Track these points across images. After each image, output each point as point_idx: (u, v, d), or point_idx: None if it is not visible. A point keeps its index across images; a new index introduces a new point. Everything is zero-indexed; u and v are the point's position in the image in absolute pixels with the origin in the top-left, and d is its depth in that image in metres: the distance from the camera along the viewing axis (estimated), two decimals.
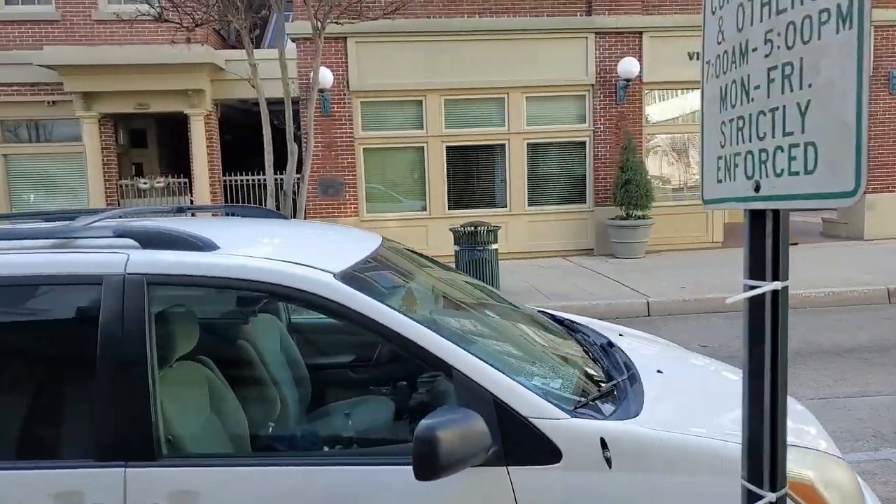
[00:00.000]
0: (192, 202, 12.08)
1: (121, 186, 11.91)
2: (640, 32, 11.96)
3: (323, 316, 2.42)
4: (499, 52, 11.83)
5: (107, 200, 11.45)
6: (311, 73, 8.71)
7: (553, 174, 12.37)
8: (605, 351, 2.54)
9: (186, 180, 12.04)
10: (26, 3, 11.39)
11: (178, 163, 15.27)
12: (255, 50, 14.45)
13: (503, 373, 1.84)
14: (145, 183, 11.91)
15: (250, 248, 2.05)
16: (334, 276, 1.94)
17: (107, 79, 10.82)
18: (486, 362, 1.85)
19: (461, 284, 3.00)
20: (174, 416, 1.98)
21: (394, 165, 12.12)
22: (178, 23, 8.37)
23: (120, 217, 2.64)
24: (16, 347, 2.00)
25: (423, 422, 1.62)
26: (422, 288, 2.44)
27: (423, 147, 12.03)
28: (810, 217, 16.35)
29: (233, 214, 3.29)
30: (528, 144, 12.13)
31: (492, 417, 1.74)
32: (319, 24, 8.42)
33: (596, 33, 11.92)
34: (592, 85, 12.04)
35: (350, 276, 1.99)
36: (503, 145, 12.12)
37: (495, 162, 12.27)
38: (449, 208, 12.10)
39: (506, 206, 12.18)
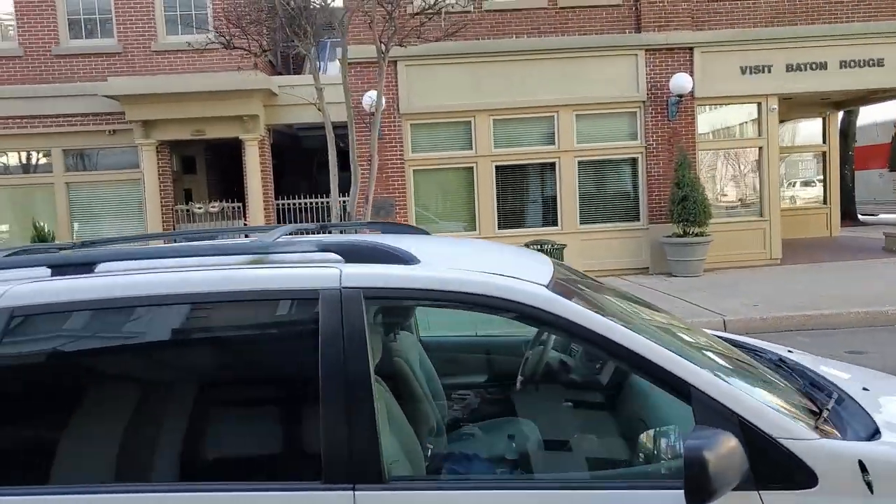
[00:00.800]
0: (245, 226, 12.23)
1: (176, 211, 12.13)
2: (691, 48, 11.84)
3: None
4: (548, 71, 11.82)
5: (163, 226, 11.66)
6: (376, 96, 8.78)
7: (605, 192, 12.23)
8: (794, 369, 2.43)
9: (240, 204, 12.21)
10: (89, 38, 11.80)
11: (224, 187, 15.55)
12: (304, 76, 14.74)
13: (746, 391, 1.77)
14: (200, 208, 12.11)
15: (446, 261, 2.04)
16: (545, 287, 1.90)
17: (166, 107, 11.09)
18: (725, 380, 1.78)
19: (632, 299, 2.90)
20: (391, 436, 1.93)
21: (443, 186, 12.13)
22: (246, 49, 8.50)
23: (290, 234, 2.68)
24: (234, 364, 1.98)
25: (690, 442, 1.54)
26: (614, 303, 2.34)
27: (472, 167, 12.02)
28: (872, 233, 15.85)
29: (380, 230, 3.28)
30: (578, 162, 12.03)
31: (739, 438, 1.66)
32: (384, 46, 8.50)
33: (646, 50, 11.84)
34: (643, 102, 11.93)
35: (558, 288, 1.95)
36: (553, 164, 12.05)
37: (546, 181, 12.19)
38: (499, 228, 12.03)
39: (557, 225, 12.05)
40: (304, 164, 17.73)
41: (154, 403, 1.91)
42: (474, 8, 9.69)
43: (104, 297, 1.88)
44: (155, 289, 1.89)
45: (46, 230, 11.13)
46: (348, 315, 1.81)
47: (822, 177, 15.97)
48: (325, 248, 1.97)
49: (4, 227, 12.12)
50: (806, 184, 16.76)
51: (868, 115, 19.42)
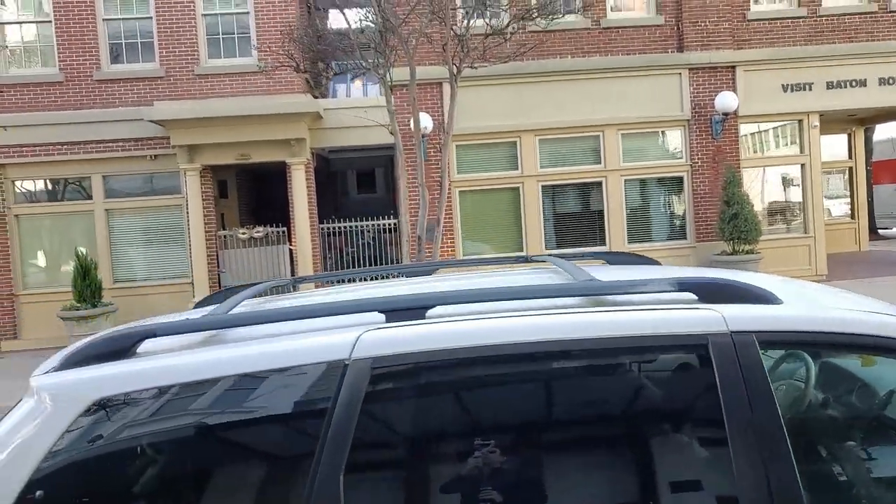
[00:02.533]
0: (291, 251, 12.04)
1: (220, 237, 11.91)
2: (734, 66, 11.93)
3: None
4: (592, 91, 11.84)
5: (207, 252, 11.44)
6: (445, 117, 8.70)
7: (652, 210, 12.22)
8: None
9: (284, 229, 12.03)
10: (131, 62, 11.64)
11: (257, 211, 15.36)
12: (351, 99, 14.69)
13: None
14: (244, 233, 11.90)
15: (803, 300, 1.97)
16: None
17: (212, 131, 10.93)
18: None
19: None
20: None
21: (489, 206, 12.05)
22: (306, 71, 8.42)
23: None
24: (618, 416, 1.84)
25: None
26: None
27: (518, 187, 11.96)
28: None
29: (609, 261, 3.11)
30: (625, 181, 12.02)
31: None
32: (456, 68, 8.45)
33: (689, 69, 11.92)
34: (688, 120, 11.98)
35: None
36: (600, 182, 12.03)
37: (592, 200, 12.15)
38: (546, 247, 11.94)
39: (605, 244, 12.00)
40: (333, 186, 17.63)
41: (534, 456, 1.77)
42: (544, 28, 9.66)
43: (459, 345, 1.73)
44: (511, 336, 1.75)
45: (88, 259, 10.84)
46: (745, 361, 1.71)
47: (848, 192, 16.13)
48: (683, 287, 1.84)
49: (41, 257, 11.81)
50: (834, 199, 16.91)
51: (883, 131, 19.71)
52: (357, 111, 11.89)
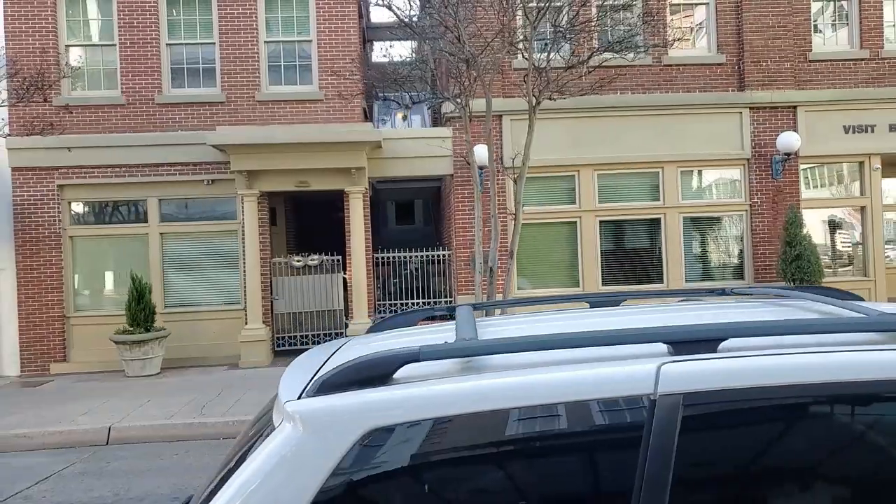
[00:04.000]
0: (345, 280, 11.90)
1: (274, 264, 11.78)
2: (795, 106, 11.86)
3: None
4: (652, 127, 11.77)
5: (261, 278, 11.29)
6: (524, 148, 8.59)
7: (710, 249, 12.06)
8: None
9: (339, 257, 11.90)
10: (192, 87, 11.63)
11: (303, 239, 15.26)
12: (409, 129, 14.68)
13: None
14: (299, 261, 11.78)
15: None
16: None
17: (272, 157, 10.87)
18: None
19: None
20: None
21: (546, 240, 11.89)
22: (384, 98, 8.37)
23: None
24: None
25: None
26: None
27: (575, 221, 11.83)
28: None
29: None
30: (683, 218, 11.87)
31: None
32: (535, 99, 8.39)
33: (750, 108, 11.85)
34: (748, 159, 11.87)
35: None
36: (658, 220, 11.88)
37: (651, 236, 12.00)
38: (603, 283, 11.77)
39: (662, 282, 11.81)
40: (373, 217, 17.55)
41: None
42: (630, 61, 9.66)
43: (765, 383, 1.58)
44: (824, 375, 1.60)
45: (144, 282, 10.72)
46: None
47: None
48: None
49: (93, 279, 11.69)
50: (893, 242, 16.70)
51: None
52: (416, 141, 11.89)
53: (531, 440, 1.63)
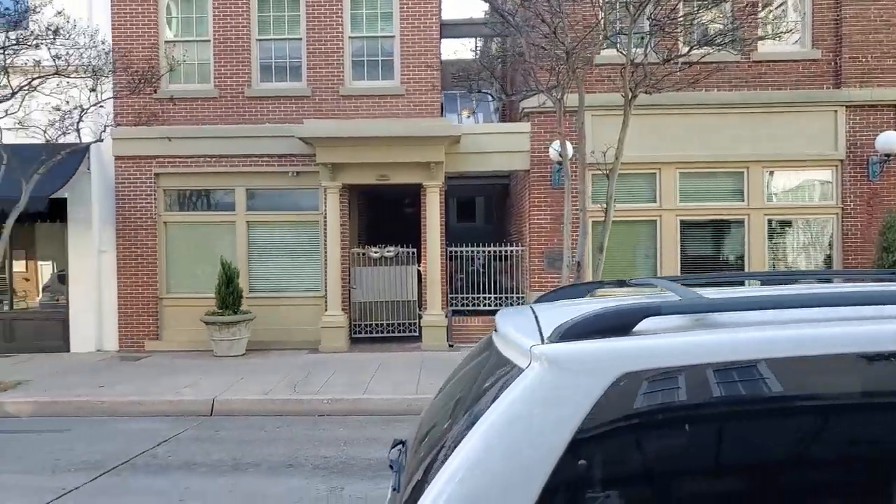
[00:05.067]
0: (419, 272, 12.14)
1: (352, 254, 12.13)
2: None
3: None
4: (738, 125, 11.41)
5: (341, 268, 11.66)
6: (617, 143, 8.61)
7: (796, 253, 11.63)
8: None
9: (414, 249, 12.14)
10: (279, 81, 12.07)
11: (374, 231, 15.62)
12: (486, 124, 14.76)
13: None
14: (376, 252, 12.09)
15: None
16: None
17: (356, 151, 11.17)
18: None
19: None
20: None
21: (623, 239, 11.74)
22: (489, 94, 8.47)
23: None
24: None
25: None
26: None
27: (655, 220, 11.63)
28: None
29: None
30: (768, 220, 11.49)
31: None
32: (630, 92, 8.34)
33: (846, 106, 11.31)
34: (841, 160, 11.35)
35: None
36: (742, 220, 11.54)
37: (733, 238, 11.67)
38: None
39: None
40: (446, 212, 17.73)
41: None
42: (742, 57, 9.50)
43: None
44: None
45: (233, 267, 11.26)
46: None
47: None
48: None
49: (184, 263, 12.35)
50: None
51: None
52: (492, 137, 11.95)
53: (786, 395, 1.70)
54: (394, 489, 2.13)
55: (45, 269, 13.21)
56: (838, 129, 11.35)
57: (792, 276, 3.01)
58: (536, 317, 2.19)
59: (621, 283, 3.07)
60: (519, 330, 2.03)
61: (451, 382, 2.61)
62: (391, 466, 2.41)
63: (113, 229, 12.05)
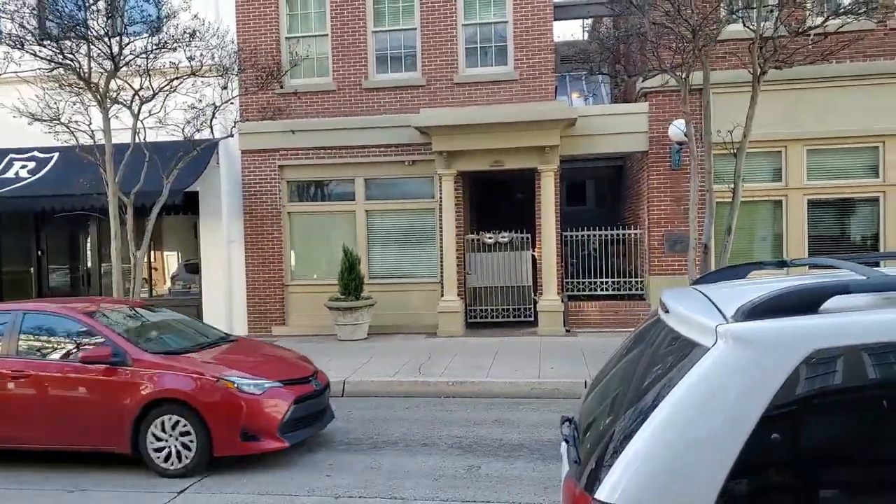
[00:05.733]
0: (534, 257, 12.19)
1: (467, 241, 12.31)
2: None
3: None
4: (872, 98, 10.84)
5: (457, 254, 11.85)
6: (746, 120, 8.37)
7: None
8: None
9: (528, 235, 12.19)
10: (394, 72, 12.34)
11: (482, 219, 15.73)
12: (601, 106, 14.58)
13: None
14: (490, 237, 12.22)
15: None
16: None
17: (471, 138, 11.30)
18: None
19: None
20: None
21: (747, 220, 11.37)
22: (614, 76, 8.42)
23: None
24: None
25: None
26: None
27: (781, 200, 11.23)
28: None
29: None
30: None
31: None
32: (760, 68, 8.10)
33: None
34: None
35: None
36: (877, 199, 10.98)
37: (866, 218, 11.12)
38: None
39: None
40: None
41: None
42: (878, 24, 9.09)
43: None
44: None
45: (355, 255, 11.64)
46: None
47: None
48: None
49: (307, 251, 12.85)
50: None
51: None
52: (607, 119, 11.82)
53: None
54: (575, 462, 2.21)
55: (171, 260, 14.07)
56: None
57: None
58: (708, 297, 2.25)
59: (782, 264, 3.10)
60: (695, 310, 2.10)
61: (617, 361, 2.70)
62: (566, 440, 2.50)
63: (241, 220, 12.68)
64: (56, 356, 6.22)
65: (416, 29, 12.14)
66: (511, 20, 11.87)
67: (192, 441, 5.73)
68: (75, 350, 6.13)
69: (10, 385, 6.02)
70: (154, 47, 10.16)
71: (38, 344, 6.35)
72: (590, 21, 16.76)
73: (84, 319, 6.23)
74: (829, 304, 1.83)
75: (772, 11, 8.59)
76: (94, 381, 5.88)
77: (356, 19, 12.23)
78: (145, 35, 10.36)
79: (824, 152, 11.13)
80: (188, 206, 12.37)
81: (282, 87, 12.16)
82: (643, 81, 11.37)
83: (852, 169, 11.12)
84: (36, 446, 6.12)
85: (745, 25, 8.56)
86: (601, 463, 1.93)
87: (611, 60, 12.79)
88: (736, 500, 1.68)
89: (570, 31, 36.04)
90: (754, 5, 8.66)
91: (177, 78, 10.35)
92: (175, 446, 5.74)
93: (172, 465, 5.75)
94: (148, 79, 10.21)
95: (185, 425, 5.72)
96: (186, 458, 5.74)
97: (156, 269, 14.02)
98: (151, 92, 10.21)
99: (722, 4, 9.24)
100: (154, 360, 5.94)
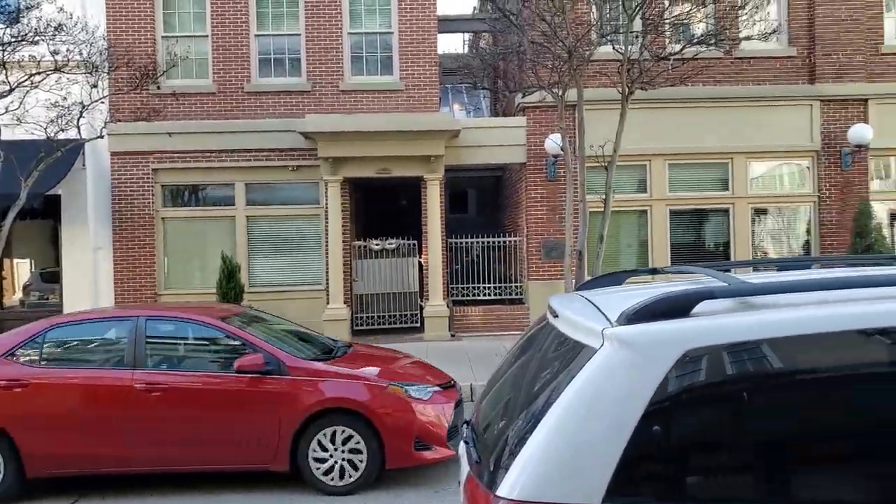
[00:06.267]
0: (420, 264, 12.37)
1: (354, 247, 12.28)
2: (866, 99, 12.03)
3: None
4: (722, 119, 12.02)
5: (343, 261, 11.80)
6: (615, 136, 8.97)
7: (778, 239, 12.32)
8: None
9: (415, 242, 12.37)
10: (278, 76, 12.14)
11: (369, 226, 15.75)
12: (485, 118, 15.00)
13: None
14: (377, 244, 12.27)
15: None
16: None
17: (357, 145, 11.33)
18: None
19: None
20: None
21: (616, 229, 12.21)
22: (499, 90, 8.76)
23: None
24: None
25: None
26: None
27: (646, 210, 12.15)
28: None
29: None
30: (752, 209, 12.14)
31: None
32: (627, 88, 8.74)
33: (820, 100, 12.04)
34: (817, 151, 12.09)
35: None
36: (727, 210, 12.16)
37: (719, 226, 12.28)
38: None
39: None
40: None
41: None
42: (725, 54, 10.05)
43: None
44: None
45: (234, 262, 11.28)
46: None
47: None
48: None
49: (182, 259, 12.28)
50: None
51: None
52: (490, 131, 12.29)
53: (830, 365, 1.98)
54: (476, 462, 2.34)
55: (23, 268, 12.94)
56: (813, 122, 12.08)
57: (804, 262, 3.37)
58: (593, 303, 2.46)
59: (654, 271, 3.38)
60: (582, 315, 2.28)
61: (510, 364, 2.84)
62: (465, 442, 2.65)
63: (109, 226, 11.91)
64: (193, 365, 5.54)
65: (300, 35, 12.03)
66: (396, 31, 12.07)
67: (360, 454, 5.28)
68: (215, 358, 5.52)
69: (140, 399, 5.30)
70: (12, 39, 9.39)
71: (169, 353, 5.64)
72: (471, 36, 17.34)
73: (221, 325, 5.58)
74: (698, 308, 2.02)
75: (637, 37, 9.34)
76: (244, 393, 5.29)
77: (238, 22, 11.93)
78: (1, 26, 9.56)
79: (683, 167, 12.19)
80: (48, 210, 11.45)
81: (159, 88, 11.60)
82: (522, 97, 11.92)
83: (707, 182, 12.26)
84: (164, 468, 5.41)
85: (614, 48, 9.22)
86: (499, 464, 2.04)
87: (491, 75, 13.30)
88: (624, 493, 1.83)
89: (453, 45, 36.88)
90: (622, 31, 9.37)
91: (38, 73, 9.62)
92: (340, 460, 5.28)
93: (333, 480, 5.25)
94: (4, 73, 9.41)
95: (353, 436, 5.29)
96: (351, 473, 5.29)
97: (5, 279, 12.83)
98: (8, 87, 9.42)
99: (594, 28, 9.93)
100: (313, 367, 5.42)
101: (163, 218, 12.09)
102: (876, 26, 12.18)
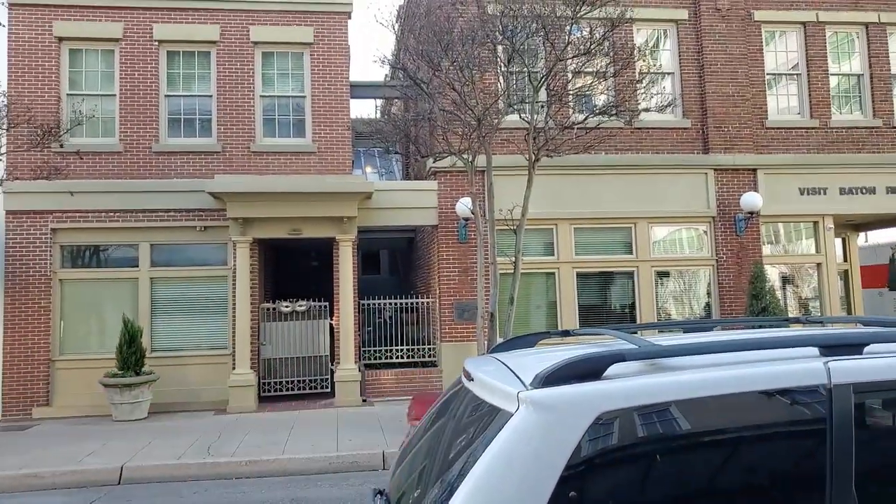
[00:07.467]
0: (331, 326, 12.19)
1: (262, 309, 12.02)
2: (755, 169, 12.85)
3: None
4: (625, 186, 12.57)
5: (251, 323, 11.52)
6: (523, 200, 9.23)
7: (681, 301, 12.77)
8: None
9: (326, 303, 12.22)
10: (188, 136, 12.04)
11: (278, 287, 15.50)
12: (399, 181, 15.16)
13: None
14: (287, 306, 12.05)
15: None
16: None
17: (268, 206, 11.26)
18: None
19: None
20: None
21: (526, 290, 12.41)
22: (412, 154, 8.91)
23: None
24: None
25: None
26: None
27: (554, 272, 12.44)
28: None
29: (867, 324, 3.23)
30: (655, 272, 12.60)
31: None
32: (534, 155, 9.06)
33: (714, 169, 12.78)
34: (713, 217, 12.74)
35: None
36: (632, 272, 12.58)
37: (625, 288, 12.66)
38: None
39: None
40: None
41: None
42: (625, 124, 10.57)
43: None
44: None
45: (135, 326, 10.85)
46: None
47: (844, 293, 16.94)
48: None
49: (80, 323, 11.72)
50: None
51: (863, 238, 20.85)
52: (403, 193, 12.45)
53: (732, 425, 2.03)
54: None
55: None
56: (709, 190, 12.78)
57: (706, 325, 3.51)
58: (507, 365, 2.45)
59: (566, 333, 3.38)
60: (497, 377, 2.28)
61: (424, 430, 2.80)
62: None
63: (0, 287, 11.30)
64: None
65: (212, 96, 12.04)
66: (309, 95, 12.23)
67: None
68: None
69: None
70: None
71: None
72: (383, 102, 17.73)
73: None
74: (610, 370, 2.05)
75: (543, 107, 9.77)
76: None
77: (148, 82, 11.86)
78: None
79: (589, 230, 12.61)
80: None
81: (62, 146, 11.32)
82: (433, 162, 12.19)
83: (612, 245, 12.70)
84: None
85: (521, 117, 9.60)
86: None
87: (403, 140, 13.58)
88: None
89: (366, 110, 37.60)
90: (528, 101, 9.79)
91: None
92: None
93: None
94: None
95: None
96: None
97: None
98: None
99: (501, 98, 10.33)
100: None
101: (61, 279, 11.57)
102: (760, 102, 13.14)
